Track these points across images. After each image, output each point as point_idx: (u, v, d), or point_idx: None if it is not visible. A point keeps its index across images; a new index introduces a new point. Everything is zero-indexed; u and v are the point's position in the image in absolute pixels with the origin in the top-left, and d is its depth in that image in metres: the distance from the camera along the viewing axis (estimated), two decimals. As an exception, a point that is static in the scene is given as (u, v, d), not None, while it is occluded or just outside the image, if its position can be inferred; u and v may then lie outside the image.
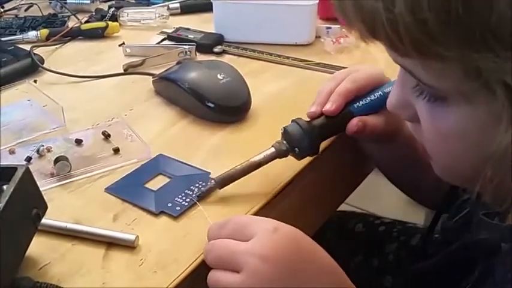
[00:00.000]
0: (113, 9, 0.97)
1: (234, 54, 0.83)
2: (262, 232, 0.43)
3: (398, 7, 0.33)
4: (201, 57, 0.82)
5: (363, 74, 0.59)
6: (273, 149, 0.54)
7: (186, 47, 0.82)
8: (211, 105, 0.65)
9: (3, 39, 0.89)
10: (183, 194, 0.53)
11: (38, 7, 1.03)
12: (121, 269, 0.46)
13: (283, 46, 0.84)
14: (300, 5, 0.83)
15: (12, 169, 0.44)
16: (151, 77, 0.74)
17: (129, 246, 0.48)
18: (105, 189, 0.55)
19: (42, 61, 0.81)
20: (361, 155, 0.65)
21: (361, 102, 0.57)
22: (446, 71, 0.35)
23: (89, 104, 0.71)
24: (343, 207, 0.74)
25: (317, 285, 0.43)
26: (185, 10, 1.00)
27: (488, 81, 0.33)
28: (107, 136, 0.63)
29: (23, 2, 1.06)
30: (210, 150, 0.61)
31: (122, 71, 0.78)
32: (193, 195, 0.53)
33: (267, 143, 0.55)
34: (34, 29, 0.92)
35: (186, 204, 0.52)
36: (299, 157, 0.55)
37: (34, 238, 0.45)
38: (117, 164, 0.58)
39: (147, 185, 0.55)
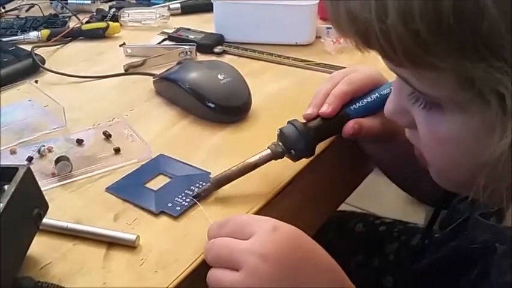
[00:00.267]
0: (113, 9, 0.97)
1: (235, 55, 0.83)
2: (261, 231, 0.44)
3: (390, 18, 0.33)
4: (201, 57, 0.83)
5: (360, 75, 0.59)
6: (268, 151, 0.54)
7: (187, 47, 0.82)
8: (212, 105, 0.65)
9: (4, 39, 0.89)
10: (183, 194, 0.53)
11: (39, 7, 1.03)
12: (122, 269, 0.46)
13: (284, 46, 0.84)
14: (300, 5, 0.83)
15: (14, 169, 0.44)
16: (152, 77, 0.74)
17: (129, 246, 0.48)
18: (106, 189, 0.55)
19: (43, 61, 0.81)
20: (360, 155, 0.65)
21: (357, 104, 0.57)
22: (440, 80, 0.36)
23: (90, 104, 0.71)
24: (343, 207, 0.74)
25: (316, 284, 0.43)
26: (186, 10, 1.00)
27: (481, 90, 0.34)
28: (107, 136, 0.63)
29: (24, 3, 1.06)
30: (211, 150, 0.61)
31: (123, 71, 0.78)
32: (191, 195, 0.53)
33: (267, 143, 0.55)
34: (35, 29, 0.92)
35: (186, 204, 0.52)
36: (295, 159, 0.55)
37: (35, 238, 0.45)
38: (118, 164, 0.58)
39: (147, 185, 0.55)
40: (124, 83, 0.77)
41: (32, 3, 1.05)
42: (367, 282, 0.77)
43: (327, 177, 0.64)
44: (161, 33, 0.91)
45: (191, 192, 0.53)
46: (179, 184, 0.55)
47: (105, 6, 1.01)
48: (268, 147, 0.55)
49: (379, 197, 1.46)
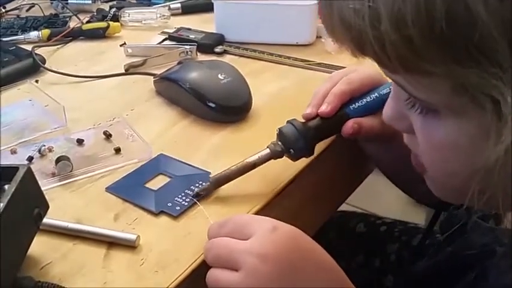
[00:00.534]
0: (114, 9, 0.97)
1: (235, 54, 0.83)
2: (261, 231, 0.44)
3: (383, 24, 0.33)
4: (202, 57, 0.83)
5: (359, 74, 0.59)
6: (268, 150, 0.54)
7: (187, 47, 0.82)
8: (212, 105, 0.65)
9: (4, 39, 0.89)
10: (183, 194, 0.53)
11: (40, 7, 1.03)
12: (122, 269, 0.46)
13: (284, 46, 0.84)
14: (301, 5, 0.83)
15: (14, 169, 0.44)
16: (152, 77, 0.74)
17: (130, 246, 0.48)
18: (106, 188, 0.55)
19: (43, 61, 0.81)
20: (361, 155, 0.65)
21: (357, 104, 0.57)
22: (434, 86, 0.36)
23: (90, 104, 0.71)
24: (344, 207, 0.74)
25: (316, 284, 0.43)
26: (186, 10, 1.00)
27: (476, 96, 0.34)
28: (108, 136, 0.63)
29: (24, 2, 1.06)
30: (211, 150, 0.61)
31: (123, 71, 0.78)
32: (190, 195, 0.53)
33: (267, 143, 0.55)
34: (36, 29, 0.92)
35: (186, 204, 0.52)
36: (294, 158, 0.55)
37: (35, 238, 0.45)
38: (119, 164, 0.58)
39: (147, 185, 0.55)
40: (124, 83, 0.77)
41: (33, 3, 1.05)
42: (368, 282, 0.77)
43: (327, 177, 0.64)
44: (162, 33, 0.91)
45: (191, 192, 0.53)
46: (179, 184, 0.55)
47: (106, 6, 1.01)
48: (267, 147, 0.55)
49: (380, 197, 1.46)
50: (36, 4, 1.05)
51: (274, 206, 0.54)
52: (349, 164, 0.68)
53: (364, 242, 0.81)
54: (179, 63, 0.75)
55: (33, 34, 0.89)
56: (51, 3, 1.04)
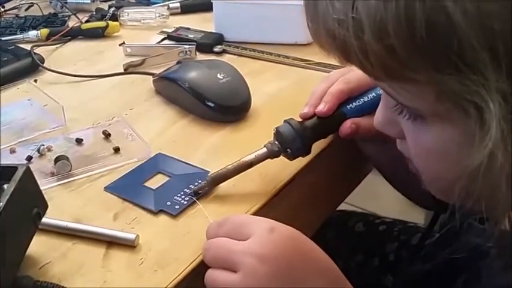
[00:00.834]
0: (113, 8, 0.97)
1: (234, 54, 0.83)
2: (259, 232, 0.43)
3: (366, 35, 0.34)
4: (201, 56, 0.82)
5: (357, 74, 0.59)
6: (264, 149, 0.54)
7: (186, 46, 0.82)
8: (211, 104, 0.65)
9: (3, 38, 0.89)
10: (182, 193, 0.53)
11: (39, 7, 1.03)
12: (121, 268, 0.46)
13: (283, 46, 0.84)
14: (300, 5, 0.81)
15: (13, 168, 0.44)
16: (151, 76, 0.74)
17: (129, 245, 0.48)
18: (105, 188, 0.55)
19: (42, 61, 0.81)
20: (359, 155, 0.65)
21: (354, 104, 0.57)
22: (419, 93, 0.37)
23: (89, 104, 0.71)
24: (343, 206, 0.74)
25: (314, 284, 0.43)
26: (185, 10, 1.00)
27: (460, 102, 0.34)
28: (107, 135, 0.63)
29: (23, 2, 1.06)
30: (210, 149, 0.61)
31: (122, 71, 0.78)
32: (188, 193, 0.53)
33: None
34: (34, 28, 0.92)
35: (185, 203, 0.52)
36: (291, 158, 0.55)
37: (34, 237, 0.45)
38: (118, 163, 0.58)
39: (146, 184, 0.55)
40: (123, 83, 0.77)
41: (32, 3, 1.05)
42: (367, 282, 0.77)
43: (326, 178, 0.64)
44: (161, 32, 0.91)
45: (190, 191, 0.53)
46: (178, 183, 0.55)
47: (105, 6, 1.01)
48: (264, 146, 0.55)
49: (379, 196, 1.46)
50: (35, 3, 1.05)
51: (273, 206, 0.54)
52: (347, 164, 0.68)
53: (363, 242, 0.81)
54: (178, 62, 0.75)
55: (32, 33, 0.89)
56: (50, 2, 1.04)
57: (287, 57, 0.81)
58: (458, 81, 0.33)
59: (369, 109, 0.57)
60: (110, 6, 0.99)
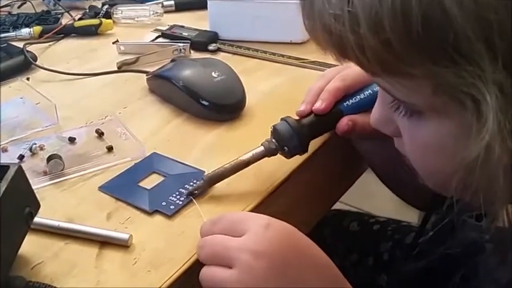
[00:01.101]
0: (106, 6, 0.96)
1: (229, 52, 0.83)
2: (255, 228, 0.43)
3: (362, 29, 0.34)
4: (195, 55, 0.82)
5: (353, 71, 0.59)
6: (262, 148, 0.54)
7: (181, 44, 0.82)
8: (206, 103, 0.64)
9: (-4, 36, 0.88)
10: (177, 193, 0.53)
11: (31, 4, 1.03)
12: (114, 268, 0.46)
13: (278, 44, 0.83)
14: (295, 3, 0.82)
15: (5, 167, 0.43)
16: (145, 74, 0.74)
17: (122, 245, 0.47)
18: (99, 187, 0.55)
19: (35, 58, 0.80)
20: (355, 153, 0.65)
21: (350, 101, 0.57)
22: (416, 87, 0.37)
23: (82, 102, 0.71)
24: (337, 205, 0.74)
25: (311, 280, 0.43)
26: (179, 7, 1.00)
27: (456, 95, 0.34)
28: (100, 134, 0.62)
29: (16, -1, 1.06)
30: (205, 148, 0.61)
31: (116, 69, 0.78)
32: (184, 193, 0.53)
33: (262, 141, 0.55)
34: (27, 26, 0.91)
35: (181, 203, 0.52)
36: (288, 156, 0.55)
37: (26, 237, 0.45)
38: (111, 163, 0.58)
39: (140, 184, 0.55)
40: (117, 81, 0.76)
41: (24, 0, 1.05)
42: (362, 281, 0.77)
43: (321, 176, 0.64)
44: (155, 30, 0.91)
45: (185, 191, 0.53)
46: (173, 183, 0.55)
47: (98, 3, 1.01)
48: (261, 144, 0.54)
49: (374, 195, 1.46)
50: (28, 1, 1.04)
51: (269, 204, 0.54)
52: (343, 163, 0.68)
53: (358, 241, 0.81)
54: (172, 60, 0.75)
55: (25, 31, 0.88)
56: (43, 0, 1.03)
57: (282, 55, 0.80)
58: (454, 74, 0.33)
59: (366, 106, 0.57)
60: (103, 4, 0.98)
